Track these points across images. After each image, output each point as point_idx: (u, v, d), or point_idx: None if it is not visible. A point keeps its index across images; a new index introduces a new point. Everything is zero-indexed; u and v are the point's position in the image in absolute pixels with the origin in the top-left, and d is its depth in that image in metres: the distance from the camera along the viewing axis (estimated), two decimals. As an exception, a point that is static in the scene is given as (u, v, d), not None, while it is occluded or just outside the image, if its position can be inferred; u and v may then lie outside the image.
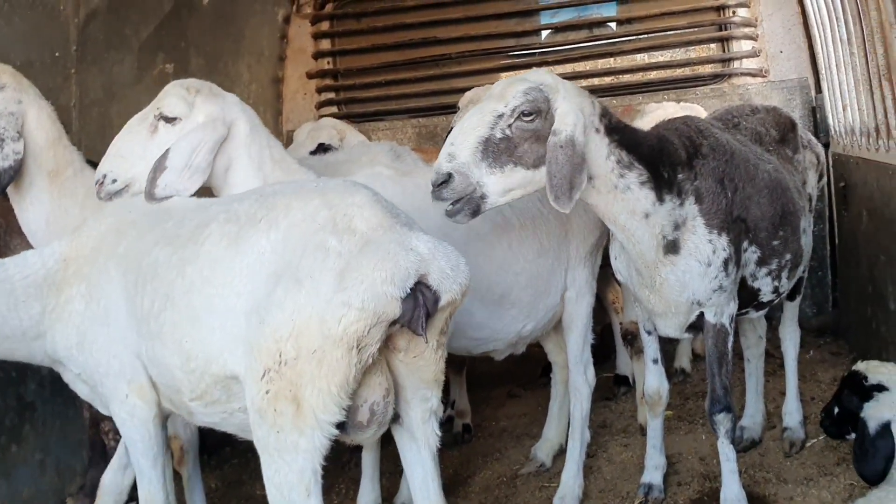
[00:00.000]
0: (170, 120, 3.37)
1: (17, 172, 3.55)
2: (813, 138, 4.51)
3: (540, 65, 7.20)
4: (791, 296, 4.43)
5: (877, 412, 3.14)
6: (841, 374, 5.21)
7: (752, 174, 3.56)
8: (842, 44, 5.43)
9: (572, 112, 3.02)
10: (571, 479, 4.12)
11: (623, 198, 3.25)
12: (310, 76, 7.46)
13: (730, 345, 3.60)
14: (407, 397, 2.68)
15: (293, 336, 2.37)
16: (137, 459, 3.02)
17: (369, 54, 7.47)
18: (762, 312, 4.09)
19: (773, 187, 3.65)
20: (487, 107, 3.07)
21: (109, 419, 4.12)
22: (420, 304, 2.43)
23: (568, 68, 7.30)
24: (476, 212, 3.04)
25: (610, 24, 7.32)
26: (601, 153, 3.15)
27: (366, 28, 7.49)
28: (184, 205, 3.05)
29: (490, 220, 3.77)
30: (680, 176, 3.37)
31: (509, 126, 3.03)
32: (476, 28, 7.32)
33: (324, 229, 2.48)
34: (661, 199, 3.31)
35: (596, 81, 7.26)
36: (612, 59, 7.35)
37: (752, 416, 4.59)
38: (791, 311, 4.54)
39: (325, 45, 7.56)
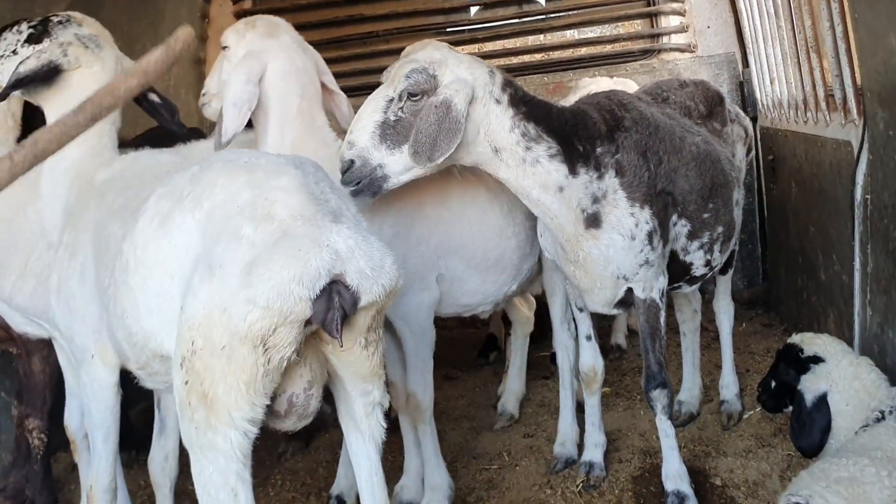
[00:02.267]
0: (223, 48, 3.61)
1: None
2: (741, 112, 4.54)
3: (469, 42, 7.11)
4: (723, 269, 4.45)
5: (813, 384, 3.14)
6: (774, 346, 5.35)
7: (678, 147, 3.54)
8: (769, 17, 5.46)
9: (456, 81, 3.12)
10: (568, 426, 4.25)
11: (533, 171, 3.26)
12: (233, 56, 7.18)
13: (662, 320, 3.57)
14: (347, 389, 2.58)
15: (203, 327, 2.25)
16: (91, 431, 2.99)
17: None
18: (695, 286, 4.09)
19: (702, 159, 3.64)
20: (381, 92, 3.20)
21: (35, 416, 3.96)
22: (335, 305, 2.25)
23: (498, 45, 7.22)
24: (377, 192, 3.19)
25: (539, 0, 7.25)
26: (504, 125, 3.20)
27: (289, 6, 7.24)
28: (151, 170, 2.99)
29: (484, 186, 3.79)
30: (599, 149, 3.35)
31: (400, 108, 3.15)
32: (403, 5, 7.17)
33: (242, 213, 2.34)
34: (574, 173, 3.30)
35: (526, 58, 7.20)
36: (542, 36, 7.31)
37: (690, 390, 4.61)
38: (724, 285, 4.57)
39: (248, 23, 7.30)
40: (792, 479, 2.92)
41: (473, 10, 7.33)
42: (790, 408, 3.28)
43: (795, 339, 3.36)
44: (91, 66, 3.23)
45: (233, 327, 2.21)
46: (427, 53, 3.24)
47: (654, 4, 6.90)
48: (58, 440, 4.22)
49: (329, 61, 7.07)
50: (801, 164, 4.92)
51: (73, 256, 2.95)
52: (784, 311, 5.75)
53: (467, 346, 6.14)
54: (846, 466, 2.61)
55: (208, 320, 2.24)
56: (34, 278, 3.56)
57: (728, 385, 4.54)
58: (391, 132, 3.15)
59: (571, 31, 7.16)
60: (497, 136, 3.21)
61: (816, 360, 3.20)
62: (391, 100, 3.17)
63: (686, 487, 3.63)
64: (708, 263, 3.83)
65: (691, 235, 3.68)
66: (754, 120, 6.29)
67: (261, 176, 2.45)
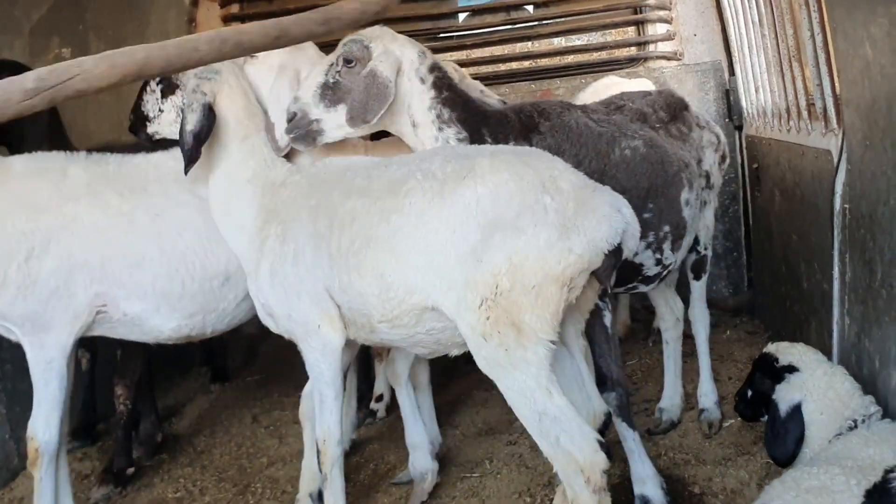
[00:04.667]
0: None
1: None
2: (710, 120, 4.49)
3: (457, 48, 7.12)
4: (697, 275, 4.47)
5: (788, 394, 3.15)
6: (758, 354, 5.35)
7: (604, 152, 3.69)
8: (753, 26, 5.48)
9: (385, 52, 3.53)
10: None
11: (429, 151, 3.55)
12: (220, 61, 7.19)
13: (607, 321, 3.53)
14: (566, 322, 3.10)
15: (511, 272, 2.79)
16: (322, 389, 3.40)
17: (282, 38, 7.23)
18: (653, 286, 4.09)
19: (638, 162, 3.75)
20: (327, 58, 3.65)
21: (122, 384, 4.41)
22: (614, 259, 2.92)
23: (486, 52, 7.25)
24: (312, 142, 3.64)
25: (527, 7, 7.26)
26: (424, 103, 3.57)
27: (277, 10, 7.22)
28: (362, 163, 3.53)
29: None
30: (510, 145, 3.59)
31: (338, 72, 3.56)
32: (392, 10, 7.14)
33: (535, 188, 2.89)
34: None
35: (514, 65, 7.22)
36: (529, 43, 7.31)
37: (671, 398, 4.61)
38: (698, 292, 4.56)
39: (236, 28, 7.31)
40: (768, 485, 2.94)
41: (461, 16, 7.33)
42: (766, 417, 3.28)
43: (771, 348, 3.37)
44: (223, 91, 3.64)
45: (548, 269, 2.79)
46: (368, 30, 3.65)
47: (640, 12, 6.91)
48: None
49: (316, 67, 7.20)
50: (785, 172, 4.94)
51: (285, 243, 3.37)
52: (768, 318, 5.76)
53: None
54: (817, 475, 2.61)
55: (519, 267, 2.79)
56: (14, 286, 3.56)
57: (706, 393, 4.54)
58: (329, 93, 3.56)
59: (559, 38, 7.20)
60: (416, 112, 3.58)
61: (791, 369, 3.21)
62: (332, 64, 3.59)
63: (651, 490, 3.62)
64: (659, 262, 3.90)
65: None
66: (739, 128, 6.32)
67: (531, 159, 3.06)
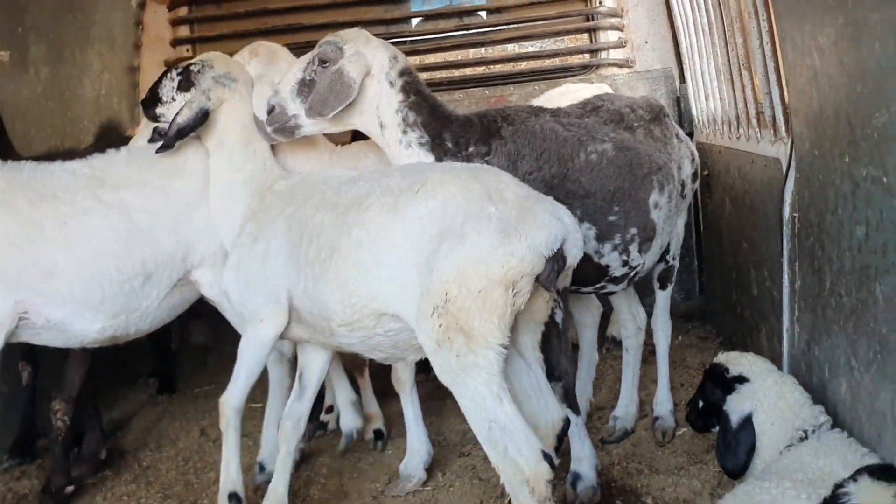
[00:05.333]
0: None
1: None
2: (685, 137, 4.52)
3: (410, 54, 7.02)
4: (662, 285, 4.47)
5: (738, 404, 3.15)
6: (709, 360, 5.30)
7: (568, 156, 3.78)
8: (704, 34, 5.51)
9: (356, 54, 3.69)
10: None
11: (407, 154, 3.74)
12: (168, 65, 7.01)
13: (558, 318, 3.54)
14: (521, 330, 3.23)
15: (458, 279, 2.91)
16: (240, 368, 3.67)
17: (231, 41, 7.03)
18: (621, 286, 4.12)
19: (604, 166, 3.82)
20: (306, 56, 3.82)
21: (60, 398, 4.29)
22: (556, 265, 3.01)
23: (439, 57, 7.19)
24: (291, 134, 3.84)
25: (480, 13, 7.25)
26: (391, 106, 3.73)
27: (227, 14, 7.15)
28: (337, 178, 3.68)
29: None
30: (471, 149, 3.75)
31: (313, 70, 3.74)
32: (343, 14, 7.09)
33: (481, 199, 3.03)
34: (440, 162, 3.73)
35: (468, 71, 7.17)
36: (482, 49, 7.28)
37: (626, 407, 4.59)
38: (663, 301, 4.56)
39: (184, 31, 7.18)
40: (720, 499, 2.93)
41: (414, 21, 7.28)
42: (717, 427, 3.27)
43: (721, 358, 3.37)
44: (230, 101, 3.85)
45: (491, 273, 2.89)
46: (346, 32, 3.84)
47: (592, 20, 6.94)
48: None
49: (268, 71, 7.08)
50: (735, 180, 4.97)
51: (255, 242, 3.60)
52: (719, 324, 5.80)
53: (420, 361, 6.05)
54: (768, 489, 2.61)
55: (464, 273, 2.90)
56: None
57: (662, 402, 4.53)
58: (305, 89, 3.75)
59: (512, 44, 7.17)
60: (384, 114, 3.74)
61: (742, 379, 3.21)
62: (309, 62, 3.77)
63: (585, 469, 3.75)
64: (626, 264, 3.95)
65: (600, 238, 3.83)
66: (690, 135, 6.34)
67: (478, 173, 3.23)
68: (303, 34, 7.04)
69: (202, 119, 3.79)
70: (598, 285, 4.02)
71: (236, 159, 3.87)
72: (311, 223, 3.44)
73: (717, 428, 3.31)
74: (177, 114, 3.78)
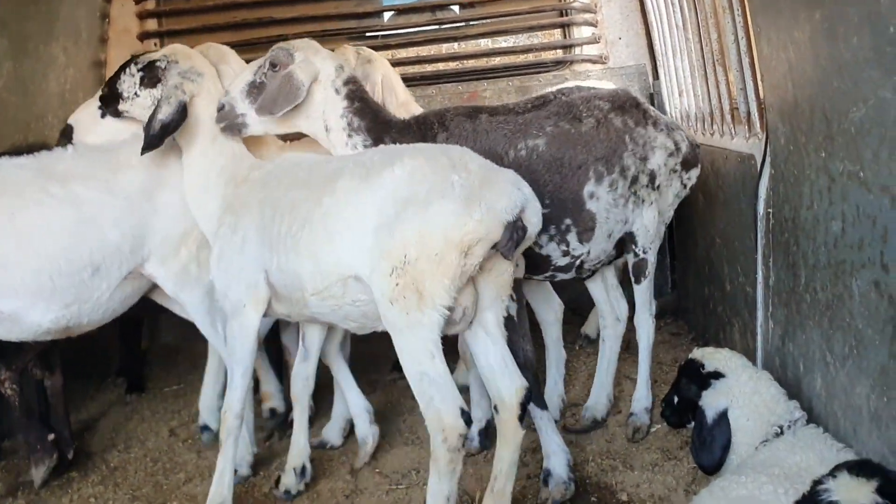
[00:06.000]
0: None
1: None
2: (680, 130, 4.45)
3: (382, 48, 6.98)
4: (636, 278, 4.45)
5: (714, 400, 3.13)
6: (682, 356, 5.30)
7: (499, 154, 3.98)
8: (677, 30, 5.51)
9: (305, 61, 3.94)
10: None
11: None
12: (136, 59, 6.92)
13: (512, 311, 3.76)
14: (485, 303, 3.44)
15: (418, 241, 3.10)
16: (233, 366, 3.79)
17: (200, 35, 6.92)
18: (570, 274, 4.23)
19: (534, 160, 4.00)
20: (258, 60, 4.02)
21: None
22: (516, 234, 3.20)
23: (412, 52, 7.15)
24: (239, 132, 4.03)
25: (453, 7, 7.19)
26: (337, 111, 3.96)
27: (196, 7, 7.02)
28: (309, 160, 3.88)
29: None
30: None
31: (264, 74, 3.95)
32: (314, 8, 7.00)
33: (445, 168, 3.24)
34: None
35: (441, 66, 7.14)
36: (455, 44, 7.24)
37: (597, 396, 4.59)
38: (640, 297, 4.51)
39: (152, 25, 7.03)
40: (695, 495, 2.91)
41: (387, 15, 7.22)
42: (693, 423, 3.26)
43: (696, 354, 3.35)
44: (200, 94, 3.97)
45: (450, 236, 3.09)
46: (297, 41, 4.07)
47: (566, 15, 6.91)
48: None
49: (238, 65, 6.98)
50: (708, 175, 4.96)
51: (235, 232, 3.73)
52: (692, 320, 5.80)
53: (382, 359, 6.01)
54: (744, 484, 2.59)
55: (424, 236, 3.10)
56: None
57: (640, 399, 4.50)
58: (255, 91, 3.96)
59: (485, 39, 7.13)
60: (330, 118, 3.97)
61: (717, 375, 3.19)
62: (260, 66, 3.97)
63: (556, 464, 3.85)
64: (567, 253, 4.11)
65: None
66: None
67: (446, 148, 3.47)
68: (274, 28, 6.96)
69: (183, 114, 3.87)
70: (547, 274, 4.21)
71: (209, 153, 3.98)
72: (282, 201, 3.61)
73: (693, 424, 3.29)
74: (156, 111, 3.84)
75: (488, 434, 4.42)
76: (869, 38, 2.48)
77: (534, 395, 3.72)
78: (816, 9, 2.82)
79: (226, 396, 3.81)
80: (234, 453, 3.83)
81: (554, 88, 5.03)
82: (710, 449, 3.07)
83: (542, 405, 3.94)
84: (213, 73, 4.05)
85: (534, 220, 3.33)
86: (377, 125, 3.98)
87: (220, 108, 3.98)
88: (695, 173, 4.52)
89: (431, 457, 3.27)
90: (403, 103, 5.25)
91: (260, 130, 4.05)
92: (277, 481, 4.17)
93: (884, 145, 2.49)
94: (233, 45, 6.75)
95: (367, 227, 3.28)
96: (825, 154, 3.00)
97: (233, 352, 3.78)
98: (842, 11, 2.63)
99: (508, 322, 3.67)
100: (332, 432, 4.68)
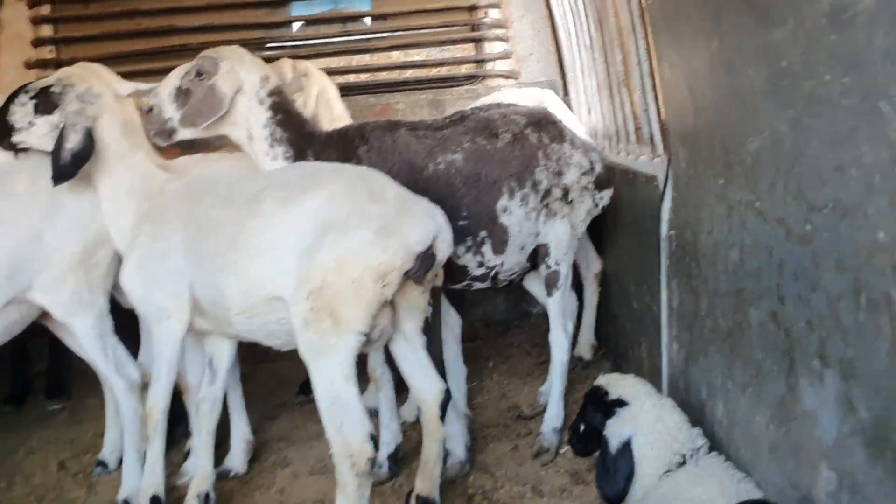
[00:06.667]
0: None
1: None
2: (594, 149, 4.54)
3: (291, 58, 6.82)
4: (548, 291, 4.46)
5: (618, 429, 3.10)
6: (592, 373, 5.37)
7: (418, 167, 4.11)
8: (585, 48, 5.53)
9: (230, 72, 4.01)
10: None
11: (272, 165, 4.07)
12: (29, 66, 6.56)
13: (427, 313, 3.87)
14: (402, 317, 3.58)
15: (337, 267, 3.19)
16: (159, 367, 3.79)
17: (99, 43, 6.70)
18: (486, 283, 4.38)
19: (452, 174, 4.13)
20: (186, 66, 4.11)
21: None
22: (426, 261, 3.32)
23: (321, 63, 6.94)
24: (168, 137, 4.13)
25: (364, 19, 7.10)
26: (260, 121, 4.05)
27: (94, 14, 6.73)
28: (230, 177, 3.96)
29: None
30: None
31: (190, 80, 4.04)
32: (221, 17, 6.80)
33: (364, 197, 3.33)
34: None
35: (352, 78, 7.03)
36: (368, 56, 7.14)
37: (551, 421, 4.50)
38: (553, 310, 4.51)
39: (47, 31, 6.70)
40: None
41: (296, 26, 7.07)
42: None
43: (602, 380, 3.32)
44: (101, 116, 3.90)
45: (367, 265, 3.19)
46: (224, 49, 4.14)
47: (478, 30, 6.89)
48: None
49: (139, 74, 6.72)
50: (614, 195, 4.96)
51: (155, 241, 3.73)
52: (602, 335, 5.80)
53: (288, 382, 5.85)
54: (647, 519, 2.56)
55: (342, 263, 3.19)
56: None
57: (550, 418, 4.46)
58: (182, 96, 4.05)
59: (397, 52, 7.05)
60: (253, 128, 4.07)
61: (621, 403, 3.16)
62: (187, 72, 4.06)
63: (456, 447, 4.19)
64: (482, 264, 4.26)
65: (454, 240, 4.02)
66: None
67: (364, 172, 3.58)
68: (177, 37, 6.74)
69: (92, 139, 3.84)
70: (464, 283, 4.34)
71: (115, 173, 3.95)
72: (207, 219, 3.66)
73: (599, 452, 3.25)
74: (62, 140, 3.81)
75: (398, 459, 4.33)
76: (764, 70, 2.48)
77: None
78: (714, 38, 2.83)
79: (149, 393, 3.84)
80: (161, 449, 3.86)
81: (479, 102, 5.08)
82: (614, 479, 3.03)
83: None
84: (109, 93, 3.98)
85: (443, 248, 3.46)
86: (300, 137, 4.07)
87: (149, 111, 4.08)
88: (607, 194, 4.63)
89: (338, 483, 3.30)
90: (338, 117, 5.29)
91: (188, 135, 4.13)
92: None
93: (779, 177, 2.50)
94: (133, 55, 6.70)
95: (289, 251, 3.35)
96: (724, 181, 3.00)
97: (159, 355, 3.81)
98: (738, 42, 2.63)
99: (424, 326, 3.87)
100: (235, 460, 4.52)
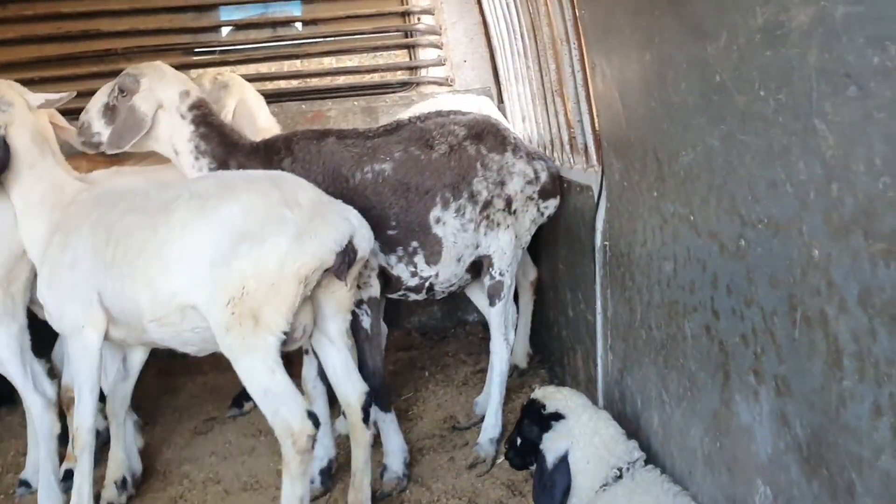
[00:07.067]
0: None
1: None
2: (540, 157, 4.52)
3: (220, 64, 6.68)
4: (490, 301, 4.46)
5: (554, 443, 3.07)
6: (528, 380, 5.39)
7: (344, 176, 4.14)
8: (519, 57, 5.52)
9: (148, 90, 4.13)
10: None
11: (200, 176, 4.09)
12: (-59, 70, 6.28)
13: (365, 324, 4.13)
14: (327, 318, 3.72)
15: (255, 274, 3.29)
16: (80, 384, 3.77)
17: (18, 46, 6.43)
18: (421, 294, 4.39)
19: (379, 184, 4.14)
20: (112, 81, 4.22)
21: None
22: (347, 258, 3.45)
23: (251, 69, 6.84)
24: (96, 148, 4.26)
25: (295, 24, 6.97)
26: (183, 135, 4.14)
27: (13, 16, 6.44)
28: (144, 186, 3.97)
29: None
30: None
31: (115, 97, 4.17)
32: (146, 21, 6.60)
33: (279, 204, 3.40)
34: None
35: (282, 84, 6.88)
36: (298, 62, 7.01)
37: (488, 431, 4.47)
38: (494, 320, 4.51)
39: (-38, 34, 6.43)
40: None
41: (225, 30, 6.90)
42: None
43: (538, 394, 3.29)
44: (13, 124, 3.90)
45: (286, 269, 3.30)
46: (144, 66, 4.25)
47: (411, 36, 6.84)
48: None
49: (60, 80, 6.49)
50: (550, 203, 4.96)
51: (64, 251, 3.73)
52: (538, 343, 5.81)
53: (221, 394, 5.70)
54: (584, 537, 2.53)
55: (261, 270, 3.29)
56: None
57: (487, 428, 4.45)
58: (108, 112, 4.19)
59: (329, 58, 6.94)
60: (178, 142, 4.16)
61: (558, 416, 3.14)
62: (112, 89, 4.18)
63: (394, 462, 4.20)
64: (416, 274, 4.26)
65: (385, 250, 4.19)
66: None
67: (278, 180, 3.58)
68: (101, 41, 6.54)
69: (8, 149, 3.86)
70: (399, 292, 4.37)
71: (25, 182, 3.93)
72: (117, 226, 3.66)
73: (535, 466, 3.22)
74: None
75: (331, 474, 4.25)
76: (697, 84, 2.49)
77: (380, 399, 4.16)
78: (647, 50, 2.82)
79: (75, 413, 3.81)
80: (89, 468, 3.83)
81: (420, 110, 5.03)
82: (551, 494, 3.00)
83: (387, 409, 4.26)
84: (21, 102, 3.96)
85: (363, 245, 3.59)
86: (223, 149, 4.14)
87: (80, 126, 4.23)
88: (553, 203, 4.61)
89: (283, 463, 3.46)
90: (263, 129, 5.17)
91: (116, 149, 4.20)
92: (98, 498, 4.04)
93: (712, 192, 2.50)
94: (56, 59, 6.44)
95: (203, 260, 3.39)
96: (657, 194, 3.01)
97: (78, 371, 3.78)
98: (671, 56, 2.63)
99: (362, 333, 4.11)
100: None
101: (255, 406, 5.27)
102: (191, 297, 3.46)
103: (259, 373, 3.38)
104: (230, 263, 3.33)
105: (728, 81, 2.27)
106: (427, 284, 4.34)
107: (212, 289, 3.36)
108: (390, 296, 4.40)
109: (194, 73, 5.72)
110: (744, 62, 2.17)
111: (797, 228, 2.01)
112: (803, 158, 1.94)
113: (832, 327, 1.90)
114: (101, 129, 4.19)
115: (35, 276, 3.98)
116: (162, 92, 4.15)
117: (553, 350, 5.28)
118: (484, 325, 6.50)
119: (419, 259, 4.24)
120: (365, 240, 3.61)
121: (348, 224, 3.52)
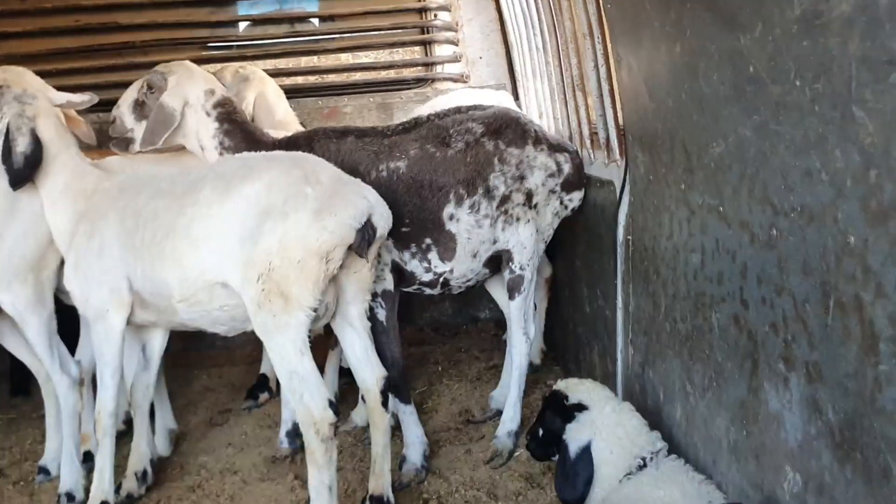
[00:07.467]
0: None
1: None
2: (565, 149, 4.51)
3: (237, 59, 6.68)
4: (510, 295, 4.48)
5: (577, 433, 3.09)
6: (542, 377, 5.41)
7: (363, 173, 4.14)
8: (537, 52, 5.54)
9: (177, 87, 4.29)
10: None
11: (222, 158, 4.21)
12: (-39, 63, 6.32)
13: (381, 316, 4.17)
14: (348, 299, 3.74)
15: (280, 250, 3.36)
16: (102, 368, 3.89)
17: (37, 39, 6.46)
18: (436, 290, 4.42)
19: (394, 182, 4.19)
20: (141, 79, 4.40)
21: None
22: (367, 235, 3.51)
23: (269, 64, 6.86)
24: (127, 147, 4.44)
25: (312, 20, 7.00)
26: (209, 132, 4.30)
27: (32, 9, 6.48)
28: (168, 172, 4.11)
29: None
30: None
31: (144, 94, 4.34)
32: (164, 15, 6.63)
33: (299, 182, 3.47)
34: None
35: (300, 80, 6.90)
36: (315, 58, 7.04)
37: (506, 425, 4.49)
38: (514, 314, 4.53)
39: (-19, 26, 6.47)
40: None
41: (242, 25, 6.94)
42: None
43: (561, 385, 3.31)
44: (39, 116, 4.00)
45: (308, 245, 3.36)
46: (173, 64, 4.43)
47: (427, 33, 6.86)
48: None
49: (78, 72, 6.52)
50: (568, 199, 4.98)
51: (91, 239, 3.83)
52: (552, 340, 5.83)
53: (235, 387, 5.73)
54: (612, 524, 2.55)
55: (285, 246, 3.35)
56: None
57: (506, 421, 4.47)
58: (139, 108, 4.37)
59: (346, 54, 6.96)
60: (203, 138, 4.33)
61: (581, 407, 3.16)
62: (141, 86, 4.36)
63: (413, 453, 4.25)
64: (430, 270, 4.30)
65: (399, 246, 4.23)
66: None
67: (299, 159, 3.69)
68: (119, 34, 6.56)
69: (38, 141, 3.94)
70: (414, 287, 4.41)
71: (51, 172, 4.02)
72: (145, 210, 3.76)
73: (557, 457, 3.24)
74: (11, 144, 3.89)
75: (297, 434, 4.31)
76: (730, 75, 2.50)
77: (400, 390, 4.22)
78: (677, 42, 2.84)
79: (98, 397, 3.90)
80: (111, 452, 3.92)
81: (440, 105, 5.06)
82: (574, 483, 3.02)
83: (406, 400, 4.30)
84: (45, 94, 4.08)
85: (381, 223, 3.65)
86: (247, 145, 4.24)
87: (112, 121, 4.40)
88: (577, 195, 4.59)
89: (307, 451, 3.49)
90: (281, 122, 5.28)
91: (149, 146, 4.33)
92: (119, 487, 4.12)
93: (743, 182, 2.52)
94: (74, 51, 6.47)
95: (231, 238, 3.48)
96: (685, 186, 3.02)
97: (101, 355, 3.88)
98: (703, 47, 2.64)
99: (378, 326, 4.12)
100: (158, 445, 4.64)
101: (271, 397, 5.38)
102: (221, 274, 3.55)
103: (288, 353, 3.43)
104: (257, 240, 3.41)
105: (762, 72, 2.29)
106: (442, 280, 4.36)
107: (243, 266, 3.45)
108: (405, 290, 4.42)
109: (212, 67, 5.73)
110: (779, 53, 2.18)
111: (832, 216, 2.02)
112: (840, 146, 1.96)
113: (868, 312, 1.91)
114: (134, 126, 4.37)
115: (62, 263, 4.05)
116: (189, 89, 4.29)
117: (568, 347, 5.30)
118: (496, 322, 6.56)
119: (433, 255, 4.28)
120: (383, 217, 3.68)
121: (366, 202, 3.58)
